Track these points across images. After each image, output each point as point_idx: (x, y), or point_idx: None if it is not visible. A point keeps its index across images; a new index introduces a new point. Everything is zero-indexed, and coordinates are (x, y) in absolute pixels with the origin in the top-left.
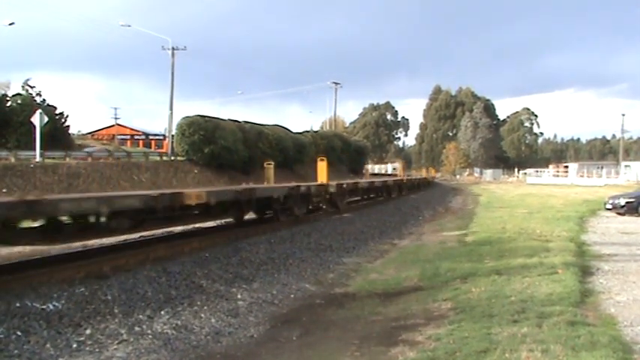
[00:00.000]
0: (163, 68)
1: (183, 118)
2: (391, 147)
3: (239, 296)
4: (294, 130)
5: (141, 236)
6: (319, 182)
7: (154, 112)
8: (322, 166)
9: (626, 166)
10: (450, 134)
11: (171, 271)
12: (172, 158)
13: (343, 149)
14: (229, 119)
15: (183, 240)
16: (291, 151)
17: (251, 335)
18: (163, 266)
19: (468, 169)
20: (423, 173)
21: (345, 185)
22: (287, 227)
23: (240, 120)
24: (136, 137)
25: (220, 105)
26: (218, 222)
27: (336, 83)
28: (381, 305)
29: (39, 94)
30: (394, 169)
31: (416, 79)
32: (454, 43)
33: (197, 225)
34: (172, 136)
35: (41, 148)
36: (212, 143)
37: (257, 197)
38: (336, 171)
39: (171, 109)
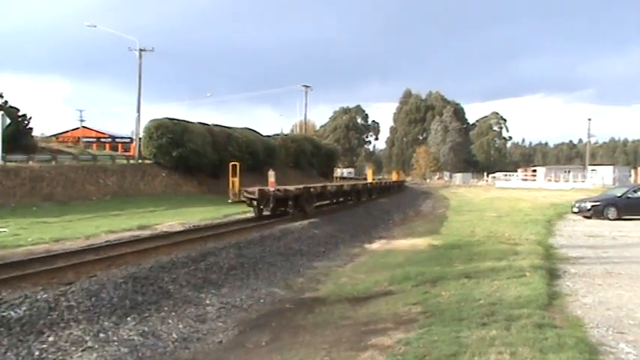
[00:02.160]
0: (131, 70)
1: (151, 120)
2: (362, 150)
3: (207, 301)
4: (264, 134)
5: (106, 241)
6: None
7: (122, 114)
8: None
9: (592, 170)
10: (420, 138)
11: (137, 276)
12: (140, 162)
13: (313, 153)
14: (198, 122)
15: (150, 244)
16: (261, 154)
17: (219, 341)
18: (129, 271)
19: (437, 173)
20: (394, 177)
21: (312, 189)
22: (257, 230)
23: (209, 123)
24: (103, 140)
25: (189, 108)
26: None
27: (306, 86)
28: (351, 310)
29: (1, 96)
30: (349, 173)
31: (387, 82)
32: (425, 47)
33: (165, 229)
34: (140, 139)
35: (3, 151)
36: (180, 146)
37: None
38: (306, 175)
39: (138, 111)
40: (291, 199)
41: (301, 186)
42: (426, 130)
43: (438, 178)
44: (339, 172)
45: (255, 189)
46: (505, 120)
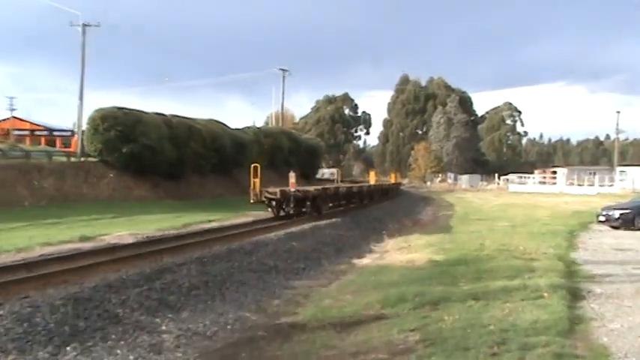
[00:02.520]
0: (72, 50)
1: (97, 110)
2: (350, 147)
3: (164, 328)
4: (232, 126)
5: (41, 255)
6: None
7: (61, 103)
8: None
9: (621, 171)
10: (420, 133)
11: (79, 297)
12: (82, 159)
13: (292, 149)
14: (154, 112)
15: (94, 259)
16: (229, 151)
17: None
18: (69, 292)
19: (440, 175)
20: (392, 179)
21: (328, 190)
22: (222, 243)
23: (167, 113)
24: (37, 133)
25: (144, 95)
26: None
27: (283, 70)
28: (336, 337)
29: None
30: (332, 174)
31: (380, 67)
32: (426, 26)
33: (112, 241)
34: (83, 132)
35: None
36: (132, 141)
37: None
38: (283, 175)
39: (81, 99)
40: (309, 199)
41: (319, 187)
42: (427, 123)
43: (441, 181)
44: (321, 173)
45: (277, 189)
46: (520, 112)
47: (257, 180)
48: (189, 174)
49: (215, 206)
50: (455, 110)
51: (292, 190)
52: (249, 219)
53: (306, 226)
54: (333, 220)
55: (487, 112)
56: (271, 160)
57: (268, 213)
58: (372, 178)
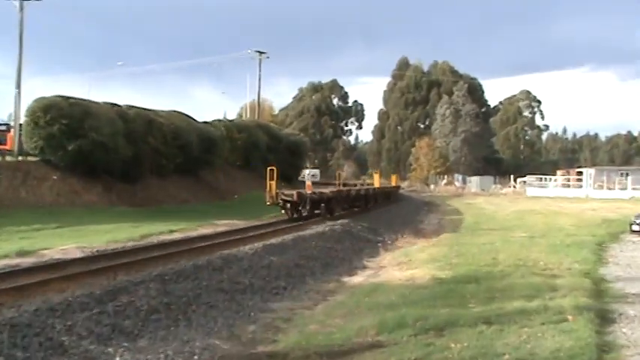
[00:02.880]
0: (8, 28)
1: (37, 99)
2: (339, 144)
3: (118, 359)
4: (200, 119)
5: None
6: None
7: None
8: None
9: None
10: (422, 126)
11: (16, 322)
12: (20, 158)
13: (271, 147)
14: (106, 103)
15: (34, 277)
16: (195, 148)
17: None
18: (5, 316)
19: (446, 176)
20: (393, 181)
21: (343, 192)
22: (188, 258)
23: (121, 104)
24: None
25: (94, 82)
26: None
27: (260, 53)
28: None
29: None
30: (313, 175)
31: (375, 49)
32: (429, 3)
33: (56, 256)
34: (20, 125)
35: None
36: (79, 137)
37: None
38: (260, 177)
39: (18, 86)
40: (324, 201)
41: (334, 189)
42: (430, 115)
43: (447, 184)
44: (307, 174)
45: (294, 192)
46: (539, 102)
47: (273, 182)
48: (147, 176)
49: (179, 214)
50: (463, 100)
51: (309, 192)
52: (220, 229)
53: (288, 236)
54: (328, 227)
55: (501, 102)
56: (246, 160)
57: (243, 221)
58: (377, 181)
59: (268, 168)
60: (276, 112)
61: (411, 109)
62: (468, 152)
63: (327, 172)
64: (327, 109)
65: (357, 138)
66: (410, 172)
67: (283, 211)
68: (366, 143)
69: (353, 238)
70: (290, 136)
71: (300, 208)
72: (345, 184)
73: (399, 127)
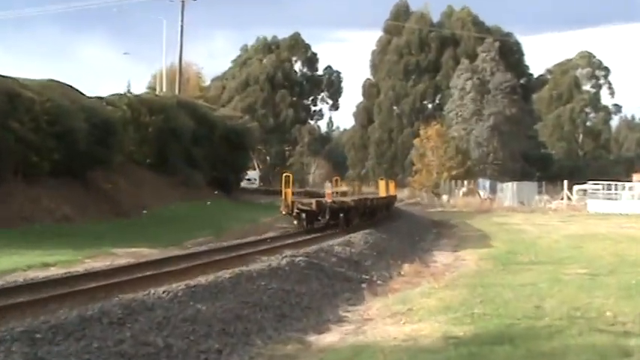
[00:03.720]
0: None
1: None
2: (303, 132)
3: None
4: (90, 93)
5: None
6: None
7: None
8: None
9: None
10: (429, 106)
11: None
12: None
13: (199, 136)
14: None
15: None
16: (83, 138)
17: None
18: None
19: (466, 182)
20: (391, 189)
21: (365, 201)
22: (69, 305)
23: None
24: None
25: None
26: None
27: None
28: None
29: None
30: (249, 180)
31: None
32: None
33: None
34: None
35: None
36: None
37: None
38: (180, 181)
39: None
40: (344, 211)
41: (356, 197)
42: (442, 89)
43: (467, 193)
44: (251, 177)
45: (313, 200)
46: (607, 70)
47: (289, 190)
48: (9, 180)
49: (58, 238)
50: (492, 66)
51: (329, 201)
52: (121, 261)
53: (224, 274)
54: (286, 259)
55: (549, 71)
56: (160, 155)
57: (156, 250)
58: (384, 189)
59: (284, 174)
60: (208, 82)
61: (413, 79)
62: (499, 146)
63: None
64: (286, 78)
65: (330, 124)
66: (411, 175)
67: (296, 222)
68: (345, 131)
69: (322, 274)
70: (229, 121)
71: (319, 218)
72: (340, 194)
73: (394, 108)
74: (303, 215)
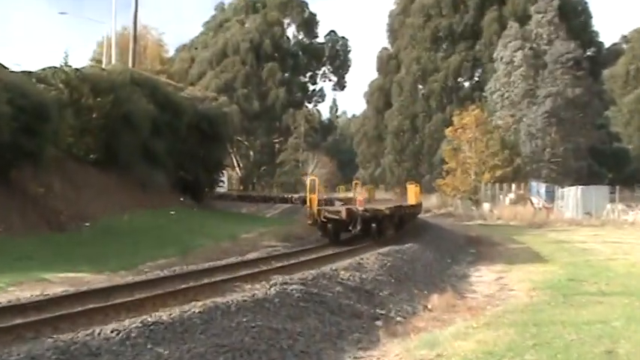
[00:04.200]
0: None
1: None
2: (299, 119)
3: None
4: (14, 67)
5: None
6: None
7: None
8: None
9: None
10: (465, 85)
11: None
12: None
13: (160, 123)
14: None
15: None
16: (5, 126)
17: None
18: None
19: (513, 186)
20: (415, 196)
21: (403, 209)
22: None
23: None
24: None
25: None
26: None
27: None
28: None
29: None
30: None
31: None
32: None
33: None
34: None
35: None
36: None
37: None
38: (136, 183)
39: None
40: (377, 220)
41: (392, 205)
42: (481, 62)
43: (516, 201)
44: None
45: (343, 208)
46: None
47: (314, 196)
48: None
49: None
50: (549, 32)
51: (360, 208)
52: (56, 289)
53: (194, 308)
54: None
55: (625, 38)
56: (109, 149)
57: (103, 276)
58: (413, 196)
59: (309, 178)
60: (172, 52)
61: (444, 49)
62: (558, 138)
63: (273, 173)
64: (276, 48)
65: (334, 108)
66: (441, 177)
67: (320, 233)
68: (354, 119)
69: (324, 307)
70: (200, 103)
71: (350, 228)
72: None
73: (419, 87)
74: (329, 226)
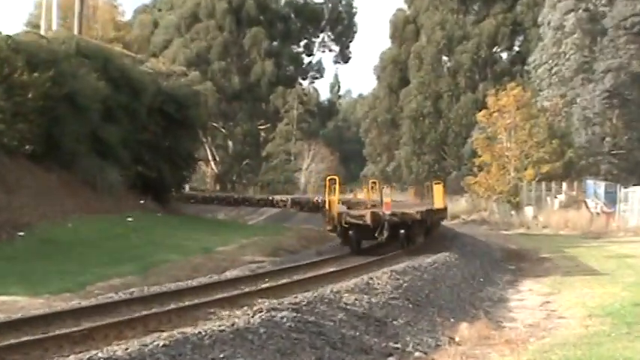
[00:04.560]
0: None
1: None
2: (291, 100)
3: None
4: None
5: None
6: None
7: None
8: None
9: None
10: (504, 57)
11: None
12: None
13: (114, 107)
14: None
15: None
16: None
17: None
18: None
19: (564, 186)
20: (440, 197)
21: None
22: None
23: None
24: None
25: None
26: None
27: None
28: None
29: None
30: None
31: None
32: None
33: None
34: None
35: None
36: None
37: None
38: (83, 182)
39: None
40: (406, 226)
41: (422, 208)
42: (522, 27)
43: (565, 205)
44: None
45: (367, 212)
46: None
47: (334, 198)
48: None
49: None
50: None
51: (387, 212)
52: None
53: (153, 341)
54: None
55: None
56: (49, 138)
57: (41, 299)
58: (440, 198)
59: (328, 177)
60: (129, 15)
61: (475, 11)
62: (622, 124)
63: (258, 169)
64: (261, 9)
65: (336, 85)
66: (471, 174)
67: (341, 240)
68: (361, 99)
69: (321, 340)
70: (164, 80)
71: (375, 235)
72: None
73: (444, 59)
74: (350, 232)
